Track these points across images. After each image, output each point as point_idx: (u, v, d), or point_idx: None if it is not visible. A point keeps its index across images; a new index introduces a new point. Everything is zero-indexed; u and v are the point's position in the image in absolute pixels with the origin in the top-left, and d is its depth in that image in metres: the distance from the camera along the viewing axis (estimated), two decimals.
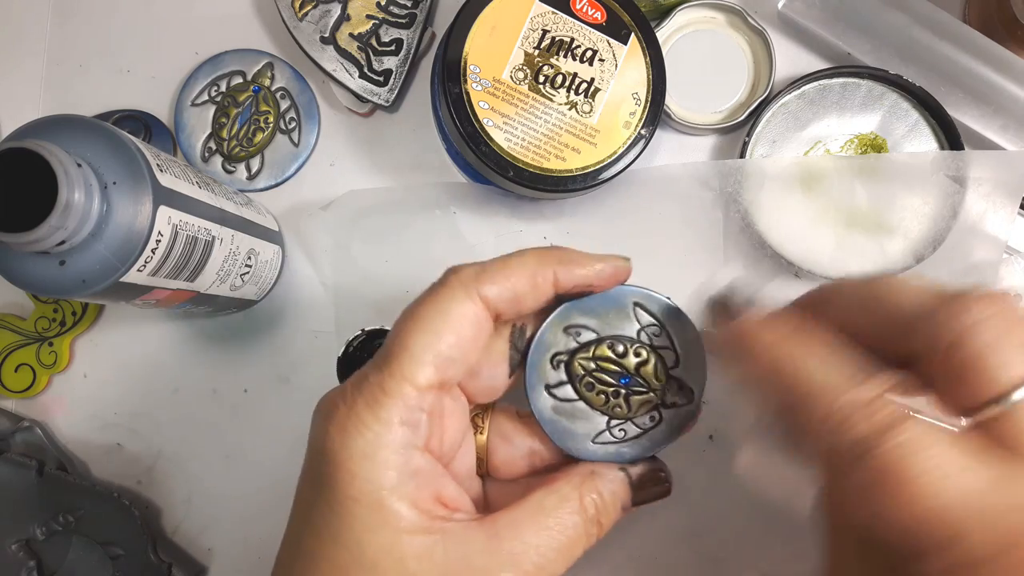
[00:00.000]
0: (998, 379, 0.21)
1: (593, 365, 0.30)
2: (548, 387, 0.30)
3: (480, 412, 0.32)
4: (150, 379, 0.46)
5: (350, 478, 0.25)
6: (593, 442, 0.30)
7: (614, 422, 0.30)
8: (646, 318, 0.30)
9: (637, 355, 0.30)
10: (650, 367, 0.30)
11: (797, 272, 0.43)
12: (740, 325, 0.26)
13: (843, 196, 0.43)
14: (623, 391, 0.30)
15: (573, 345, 0.30)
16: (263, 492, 0.45)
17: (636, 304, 0.30)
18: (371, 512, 0.25)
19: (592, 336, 0.30)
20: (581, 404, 0.30)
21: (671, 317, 0.30)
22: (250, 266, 0.41)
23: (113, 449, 0.45)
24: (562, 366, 0.30)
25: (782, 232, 0.43)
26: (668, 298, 0.30)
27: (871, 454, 0.21)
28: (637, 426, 0.30)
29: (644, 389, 0.30)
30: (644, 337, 0.30)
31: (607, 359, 0.30)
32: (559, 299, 0.30)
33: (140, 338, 0.46)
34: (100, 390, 0.46)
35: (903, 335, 0.24)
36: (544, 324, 0.30)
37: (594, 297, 0.30)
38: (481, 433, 0.31)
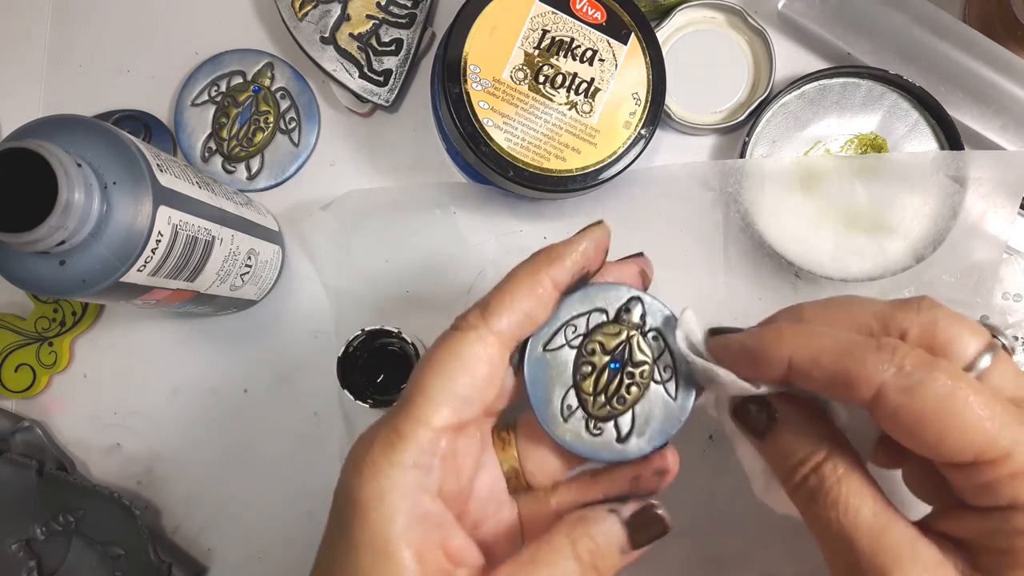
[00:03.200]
0: (964, 353, 0.25)
1: (590, 387, 0.30)
2: (563, 415, 0.30)
3: (503, 427, 0.32)
4: (150, 379, 0.46)
5: (363, 522, 0.25)
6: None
7: (627, 416, 0.30)
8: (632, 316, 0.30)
9: (617, 336, 0.30)
10: (634, 345, 0.30)
11: (797, 272, 0.43)
12: (765, 330, 0.28)
13: (843, 196, 0.43)
14: (621, 377, 0.30)
15: (567, 378, 0.30)
16: (263, 492, 0.45)
17: (592, 311, 0.30)
18: (378, 558, 0.25)
19: (575, 338, 0.30)
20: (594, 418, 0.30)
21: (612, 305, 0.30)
22: (250, 266, 0.41)
23: (113, 449, 0.45)
24: (570, 392, 0.30)
25: (782, 232, 0.43)
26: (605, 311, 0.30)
27: (924, 385, 0.23)
28: (656, 382, 0.30)
29: (642, 360, 0.30)
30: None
31: (603, 350, 0.30)
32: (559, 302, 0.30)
33: (140, 338, 0.46)
34: (100, 390, 0.46)
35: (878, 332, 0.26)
36: (526, 367, 0.30)
37: (564, 307, 0.30)
38: (509, 445, 0.31)
